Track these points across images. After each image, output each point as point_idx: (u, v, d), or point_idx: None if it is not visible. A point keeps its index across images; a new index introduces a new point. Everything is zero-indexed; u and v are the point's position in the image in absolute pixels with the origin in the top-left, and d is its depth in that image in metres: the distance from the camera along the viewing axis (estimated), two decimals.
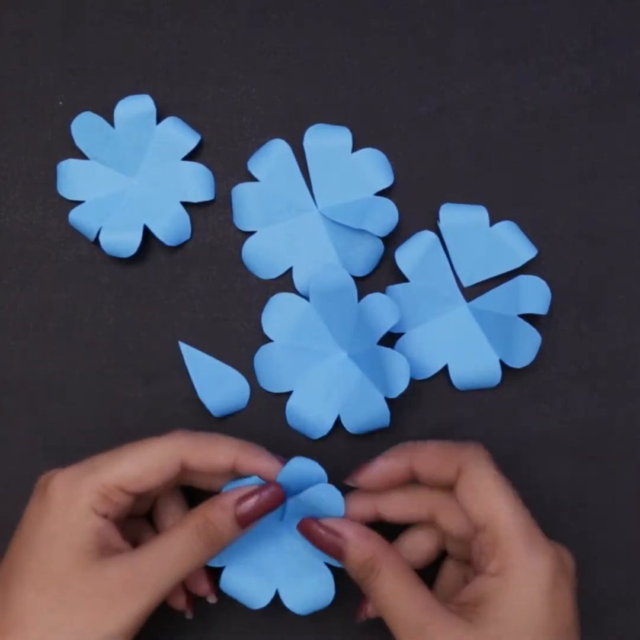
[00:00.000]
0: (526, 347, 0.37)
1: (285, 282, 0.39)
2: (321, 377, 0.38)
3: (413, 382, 0.38)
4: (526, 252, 0.38)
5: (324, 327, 0.38)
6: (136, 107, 0.39)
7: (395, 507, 0.33)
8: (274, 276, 0.39)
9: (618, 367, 0.39)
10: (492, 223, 0.39)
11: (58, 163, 0.39)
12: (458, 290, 0.39)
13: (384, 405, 0.37)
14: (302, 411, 0.38)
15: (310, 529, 0.33)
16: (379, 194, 0.39)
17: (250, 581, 0.35)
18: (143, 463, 0.32)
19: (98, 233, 0.38)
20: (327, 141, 0.39)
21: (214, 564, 0.34)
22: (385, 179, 0.39)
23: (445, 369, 0.38)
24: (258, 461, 0.33)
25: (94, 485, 0.31)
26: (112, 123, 0.39)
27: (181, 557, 0.31)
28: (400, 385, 0.36)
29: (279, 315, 0.38)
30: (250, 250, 0.39)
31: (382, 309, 0.36)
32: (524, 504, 0.32)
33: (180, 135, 0.39)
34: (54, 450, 0.39)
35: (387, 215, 0.38)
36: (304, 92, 0.40)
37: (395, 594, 0.31)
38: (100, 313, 0.39)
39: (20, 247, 0.40)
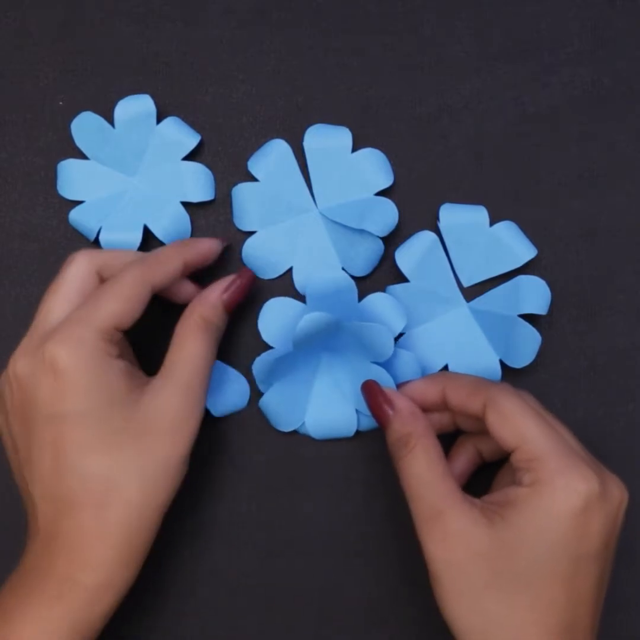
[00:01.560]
0: (526, 347, 0.37)
1: (285, 282, 0.39)
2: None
3: None
4: (526, 252, 0.38)
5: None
6: (136, 107, 0.39)
7: (457, 395, 0.34)
8: (274, 276, 0.39)
9: (618, 367, 0.39)
10: (492, 223, 0.39)
11: (58, 163, 0.39)
12: (458, 291, 0.39)
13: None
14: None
15: (372, 390, 0.35)
16: (379, 193, 0.39)
17: (286, 405, 0.38)
18: (123, 298, 0.33)
19: (98, 233, 0.38)
20: (327, 141, 0.39)
21: (264, 389, 0.38)
22: (385, 179, 0.39)
23: (445, 369, 0.38)
24: (200, 246, 0.36)
25: (96, 334, 0.32)
26: (112, 123, 0.39)
27: (205, 357, 0.34)
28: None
29: (275, 320, 0.37)
30: (250, 250, 0.39)
31: (388, 313, 0.37)
32: (577, 440, 0.32)
33: (180, 135, 0.39)
34: None
35: (387, 215, 0.38)
36: (304, 92, 0.40)
37: (421, 474, 0.32)
38: None
39: (20, 247, 0.40)
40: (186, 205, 0.39)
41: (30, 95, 0.40)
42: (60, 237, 0.40)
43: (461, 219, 0.38)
